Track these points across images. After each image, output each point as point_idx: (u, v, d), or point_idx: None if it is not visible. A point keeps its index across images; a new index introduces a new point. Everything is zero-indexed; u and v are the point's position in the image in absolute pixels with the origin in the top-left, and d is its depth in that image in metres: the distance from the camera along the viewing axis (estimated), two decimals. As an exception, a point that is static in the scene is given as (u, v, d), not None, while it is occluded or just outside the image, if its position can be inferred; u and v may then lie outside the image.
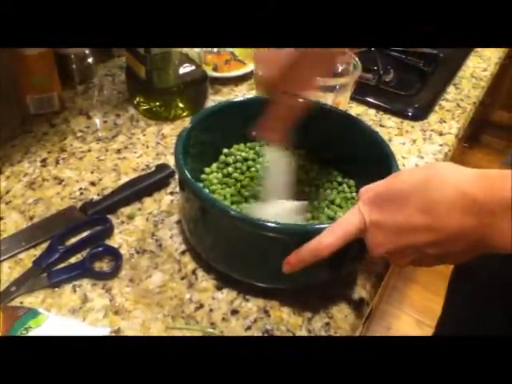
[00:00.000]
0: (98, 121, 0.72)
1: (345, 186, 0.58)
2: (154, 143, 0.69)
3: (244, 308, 0.49)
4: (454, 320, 0.72)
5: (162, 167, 0.62)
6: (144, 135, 0.70)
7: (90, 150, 0.66)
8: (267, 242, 0.45)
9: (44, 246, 0.52)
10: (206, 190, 0.55)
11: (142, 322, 0.46)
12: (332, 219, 0.54)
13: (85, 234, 0.54)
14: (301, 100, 0.51)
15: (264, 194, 0.53)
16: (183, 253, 0.53)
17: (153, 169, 0.63)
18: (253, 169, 0.58)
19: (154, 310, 0.48)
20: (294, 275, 0.45)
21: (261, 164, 0.58)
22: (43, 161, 0.64)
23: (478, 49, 1.01)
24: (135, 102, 0.75)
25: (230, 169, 0.57)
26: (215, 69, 0.84)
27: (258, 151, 0.60)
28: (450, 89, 0.88)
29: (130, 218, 0.57)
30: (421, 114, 0.80)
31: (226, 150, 0.59)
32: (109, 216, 0.56)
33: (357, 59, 0.69)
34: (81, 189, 0.60)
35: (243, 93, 0.82)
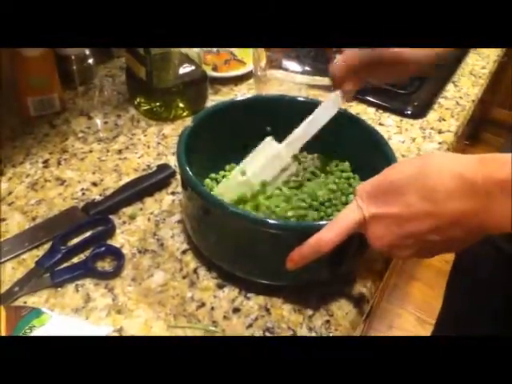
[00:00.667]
0: (98, 121, 0.72)
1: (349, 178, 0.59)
2: (154, 143, 0.69)
3: (245, 306, 0.49)
4: (454, 316, 0.72)
5: (162, 167, 0.63)
6: (145, 135, 0.71)
7: (91, 151, 0.67)
8: (269, 238, 0.46)
9: (47, 246, 0.53)
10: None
11: (144, 321, 0.47)
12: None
13: (87, 234, 0.54)
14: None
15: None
16: (184, 252, 0.54)
17: (154, 169, 0.63)
18: None
19: (156, 308, 0.48)
20: (296, 272, 0.45)
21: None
22: (45, 162, 0.64)
23: (477, 46, 1.02)
24: (136, 103, 0.75)
25: None
26: (215, 69, 0.84)
27: None
28: (449, 87, 0.89)
29: (132, 217, 0.57)
30: (420, 113, 0.80)
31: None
32: (111, 216, 0.56)
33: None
34: (83, 189, 0.61)
35: (243, 92, 0.82)
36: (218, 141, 0.59)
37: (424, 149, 0.73)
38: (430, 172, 0.37)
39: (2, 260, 0.51)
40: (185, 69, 0.73)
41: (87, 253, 0.52)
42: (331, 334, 0.47)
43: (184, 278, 0.51)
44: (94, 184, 0.62)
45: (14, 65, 0.68)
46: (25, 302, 0.47)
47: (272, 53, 0.74)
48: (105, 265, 0.52)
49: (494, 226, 0.36)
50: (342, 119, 0.59)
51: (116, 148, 0.68)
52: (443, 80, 0.90)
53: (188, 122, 0.54)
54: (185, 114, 0.75)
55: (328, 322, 0.49)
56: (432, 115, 0.81)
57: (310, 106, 0.60)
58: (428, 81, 0.88)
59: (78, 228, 0.54)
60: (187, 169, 0.48)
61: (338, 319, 0.49)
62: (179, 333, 0.46)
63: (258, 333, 0.47)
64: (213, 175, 0.58)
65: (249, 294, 0.50)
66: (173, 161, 0.65)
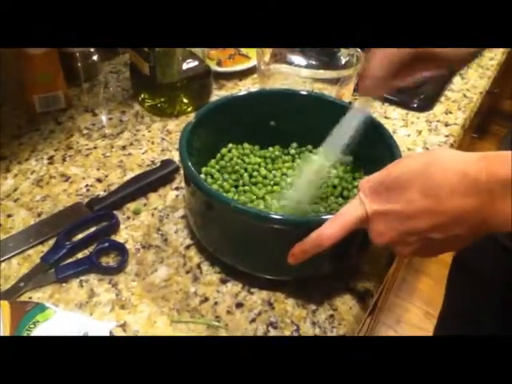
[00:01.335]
0: (103, 118, 0.73)
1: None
2: (159, 139, 0.69)
3: (248, 301, 0.49)
4: (454, 312, 0.72)
5: (166, 163, 0.63)
6: (149, 131, 0.71)
7: (95, 147, 0.67)
8: (271, 233, 0.46)
9: (51, 242, 0.53)
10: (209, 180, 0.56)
11: (147, 316, 0.47)
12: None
13: (91, 229, 0.55)
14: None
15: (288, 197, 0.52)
16: (188, 247, 0.54)
17: (158, 164, 0.63)
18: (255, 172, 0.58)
19: (159, 303, 0.48)
20: (299, 267, 0.45)
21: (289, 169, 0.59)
22: (50, 158, 0.65)
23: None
24: (140, 99, 0.75)
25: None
26: (219, 63, 0.84)
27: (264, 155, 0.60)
28: (456, 79, 0.88)
29: (136, 213, 0.57)
30: (426, 105, 0.80)
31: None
32: (115, 212, 0.56)
33: (359, 51, 0.69)
34: (87, 185, 0.61)
35: (247, 87, 0.82)
36: (222, 135, 0.59)
37: (430, 142, 0.73)
38: (432, 169, 0.37)
39: (8, 256, 0.51)
40: (188, 64, 0.72)
41: (91, 248, 0.52)
42: (335, 329, 0.47)
43: (187, 272, 0.51)
44: (99, 180, 0.62)
45: (20, 62, 0.68)
46: (30, 298, 0.48)
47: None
48: (109, 260, 0.52)
49: (497, 224, 0.35)
50: (345, 112, 0.58)
51: (120, 144, 0.68)
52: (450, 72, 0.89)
53: (192, 117, 0.54)
54: (189, 109, 0.75)
55: (332, 316, 0.48)
56: (438, 108, 0.80)
57: (314, 100, 0.60)
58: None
59: (82, 224, 0.55)
60: (189, 164, 0.48)
61: (342, 314, 0.49)
62: (182, 327, 0.46)
63: (262, 327, 0.47)
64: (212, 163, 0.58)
65: (252, 289, 0.50)
66: (177, 156, 0.65)
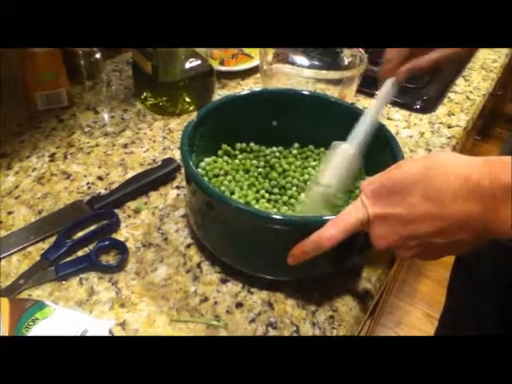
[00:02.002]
0: (105, 116, 0.73)
1: None
2: (160, 138, 0.69)
3: (248, 301, 0.49)
4: (455, 312, 0.72)
5: (168, 161, 0.63)
6: (151, 130, 0.71)
7: (97, 145, 0.67)
8: (272, 234, 0.46)
9: (52, 239, 0.53)
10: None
11: (147, 315, 0.47)
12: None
13: (92, 227, 0.55)
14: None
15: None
16: (188, 246, 0.54)
17: (159, 163, 0.63)
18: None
19: (159, 302, 0.48)
20: (299, 267, 0.45)
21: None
22: (51, 156, 0.65)
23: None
24: (142, 97, 0.75)
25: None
26: (222, 63, 0.84)
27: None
28: (460, 81, 0.87)
29: (137, 212, 0.57)
30: (429, 107, 0.79)
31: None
32: (115, 210, 0.56)
33: (363, 52, 0.69)
34: (88, 183, 0.61)
35: (250, 86, 0.82)
36: (223, 135, 0.59)
37: (432, 143, 0.72)
38: (434, 173, 0.37)
39: (8, 253, 0.51)
40: (191, 63, 0.72)
41: (92, 246, 0.52)
42: (335, 330, 0.47)
43: (187, 272, 0.51)
44: (100, 178, 0.62)
45: (22, 60, 0.68)
46: (29, 295, 0.48)
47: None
48: (109, 258, 0.52)
49: (500, 229, 0.35)
50: (349, 114, 0.58)
51: (122, 142, 0.68)
52: (453, 74, 0.88)
53: (194, 116, 0.54)
54: (191, 108, 0.75)
55: (332, 317, 0.48)
56: (441, 110, 0.80)
57: (316, 101, 0.60)
58: (438, 75, 0.87)
59: (82, 222, 0.55)
60: (191, 163, 0.47)
61: (342, 315, 0.48)
62: (182, 327, 0.46)
63: (261, 328, 0.47)
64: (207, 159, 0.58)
65: (252, 289, 0.50)
66: (178, 155, 0.65)
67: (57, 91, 0.71)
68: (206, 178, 0.56)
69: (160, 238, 0.55)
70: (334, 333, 0.47)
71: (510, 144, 0.66)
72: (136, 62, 0.74)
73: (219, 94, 0.79)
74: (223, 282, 0.51)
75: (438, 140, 0.73)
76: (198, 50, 0.74)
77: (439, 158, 0.38)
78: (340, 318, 0.48)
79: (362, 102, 0.80)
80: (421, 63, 0.54)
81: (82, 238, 0.53)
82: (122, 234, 0.55)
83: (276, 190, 0.56)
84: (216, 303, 0.49)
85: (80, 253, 0.52)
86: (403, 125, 0.76)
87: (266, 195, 0.56)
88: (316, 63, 0.76)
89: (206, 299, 0.49)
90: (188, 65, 0.72)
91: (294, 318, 0.48)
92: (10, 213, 0.56)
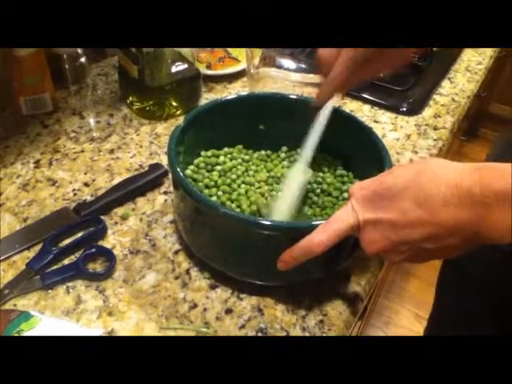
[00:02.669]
0: (91, 121, 0.72)
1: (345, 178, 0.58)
2: (147, 143, 0.69)
3: (238, 307, 0.49)
4: (444, 313, 0.72)
5: (155, 167, 0.62)
6: (137, 135, 0.70)
7: (83, 151, 0.66)
8: (260, 239, 0.45)
9: (37, 247, 0.52)
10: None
11: (135, 323, 0.46)
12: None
13: (78, 235, 0.54)
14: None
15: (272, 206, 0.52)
16: (177, 252, 0.53)
17: (146, 168, 0.62)
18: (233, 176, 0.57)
19: (147, 310, 0.48)
20: (288, 272, 0.45)
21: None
22: (36, 162, 0.64)
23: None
24: (128, 102, 0.75)
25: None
26: (209, 66, 0.84)
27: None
28: (445, 83, 0.88)
29: (124, 218, 0.57)
30: (415, 109, 0.80)
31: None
32: (102, 217, 0.56)
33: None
34: (74, 190, 0.60)
35: (237, 90, 0.82)
36: (211, 139, 0.58)
37: (419, 145, 0.73)
38: (425, 179, 0.37)
39: (-7, 262, 0.50)
40: (178, 67, 0.72)
41: (78, 254, 0.52)
42: (324, 334, 0.47)
43: (176, 278, 0.51)
44: (86, 184, 0.61)
45: (6, 64, 0.67)
46: (14, 305, 0.47)
47: (266, 51, 0.74)
48: (96, 266, 0.51)
49: (490, 236, 0.35)
50: (337, 117, 0.58)
51: (108, 148, 0.67)
52: (439, 76, 0.89)
53: (181, 120, 0.54)
54: (178, 112, 0.74)
55: (321, 321, 0.48)
56: (427, 112, 0.80)
57: (303, 104, 0.60)
58: (423, 77, 0.88)
59: (69, 229, 0.54)
60: (178, 169, 0.47)
61: (332, 319, 0.48)
62: (171, 334, 0.46)
63: (251, 334, 0.47)
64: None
65: (241, 295, 0.50)
66: (165, 160, 0.65)
67: (41, 96, 0.70)
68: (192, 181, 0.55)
69: (148, 244, 0.54)
70: (324, 337, 0.47)
71: (499, 145, 0.66)
72: (122, 66, 0.73)
73: (206, 97, 0.78)
74: (212, 288, 0.50)
75: (425, 142, 0.74)
76: (184, 53, 0.73)
77: (430, 164, 0.38)
78: (330, 322, 0.48)
79: (349, 105, 0.80)
80: (363, 79, 0.55)
81: (69, 246, 0.52)
82: (109, 241, 0.54)
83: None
84: (205, 310, 0.48)
85: (66, 261, 0.51)
86: (390, 127, 0.76)
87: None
88: (303, 66, 0.76)
89: (195, 306, 0.48)
90: (174, 69, 0.72)
91: (283, 323, 0.48)
92: (-6, 221, 0.55)
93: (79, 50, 0.78)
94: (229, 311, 0.48)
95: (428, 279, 1.49)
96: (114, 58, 0.85)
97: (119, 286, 0.50)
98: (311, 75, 0.69)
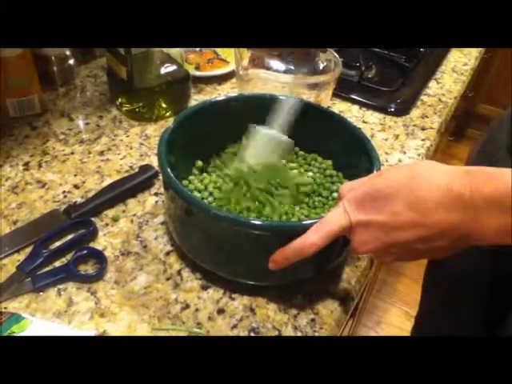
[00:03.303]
0: (80, 123, 0.72)
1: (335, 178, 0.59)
2: (137, 144, 0.69)
3: (230, 307, 0.49)
4: (430, 311, 0.73)
5: (145, 168, 0.62)
6: (127, 136, 0.70)
7: (72, 153, 0.66)
8: (251, 239, 0.46)
9: (28, 250, 0.52)
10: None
11: (127, 324, 0.46)
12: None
13: (69, 237, 0.54)
14: None
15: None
16: (168, 253, 0.53)
17: (136, 170, 0.62)
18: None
19: (139, 311, 0.47)
20: (280, 272, 0.45)
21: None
22: (25, 164, 0.63)
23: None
24: (118, 103, 0.74)
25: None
26: (198, 68, 0.84)
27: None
28: (432, 84, 0.89)
29: (115, 220, 0.57)
30: (403, 110, 0.81)
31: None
32: (93, 219, 0.56)
33: (337, 56, 0.70)
34: (64, 192, 0.60)
35: (226, 91, 0.82)
36: (200, 140, 0.58)
37: (407, 145, 0.74)
38: (417, 182, 0.38)
39: (-18, 265, 0.50)
40: (167, 68, 0.72)
41: (69, 256, 0.51)
42: (316, 333, 0.47)
43: (168, 279, 0.51)
44: (76, 186, 0.61)
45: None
46: (5, 308, 0.46)
47: (255, 52, 0.74)
48: (87, 268, 0.51)
49: (480, 238, 0.36)
50: (325, 117, 0.59)
51: (98, 149, 0.67)
52: (426, 77, 0.90)
53: (171, 122, 0.54)
54: (168, 113, 0.74)
55: (313, 320, 0.49)
56: (415, 112, 0.81)
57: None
58: (411, 78, 0.89)
59: (59, 231, 0.54)
60: (168, 170, 0.47)
61: (323, 318, 0.49)
62: (163, 335, 0.46)
63: (243, 333, 0.47)
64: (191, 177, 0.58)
65: (233, 295, 0.50)
66: (156, 161, 0.64)
67: (29, 98, 0.70)
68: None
69: (139, 245, 0.54)
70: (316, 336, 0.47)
71: (479, 146, 0.67)
72: (111, 68, 0.73)
73: (195, 98, 0.78)
74: (204, 288, 0.50)
75: (413, 142, 0.74)
76: (173, 55, 0.73)
77: (421, 167, 0.39)
78: (321, 320, 0.49)
79: (338, 106, 0.80)
80: None
81: (59, 248, 0.52)
82: (100, 243, 0.54)
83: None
84: (197, 310, 0.48)
85: (57, 263, 0.51)
86: (378, 128, 0.77)
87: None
88: (292, 67, 0.76)
89: (187, 306, 0.49)
90: (163, 70, 0.72)
91: (275, 322, 0.48)
92: (-17, 224, 0.55)
93: (67, 52, 0.78)
94: (221, 311, 0.48)
95: (418, 278, 1.50)
96: (102, 59, 0.84)
97: (111, 287, 0.49)
98: (300, 76, 0.70)
